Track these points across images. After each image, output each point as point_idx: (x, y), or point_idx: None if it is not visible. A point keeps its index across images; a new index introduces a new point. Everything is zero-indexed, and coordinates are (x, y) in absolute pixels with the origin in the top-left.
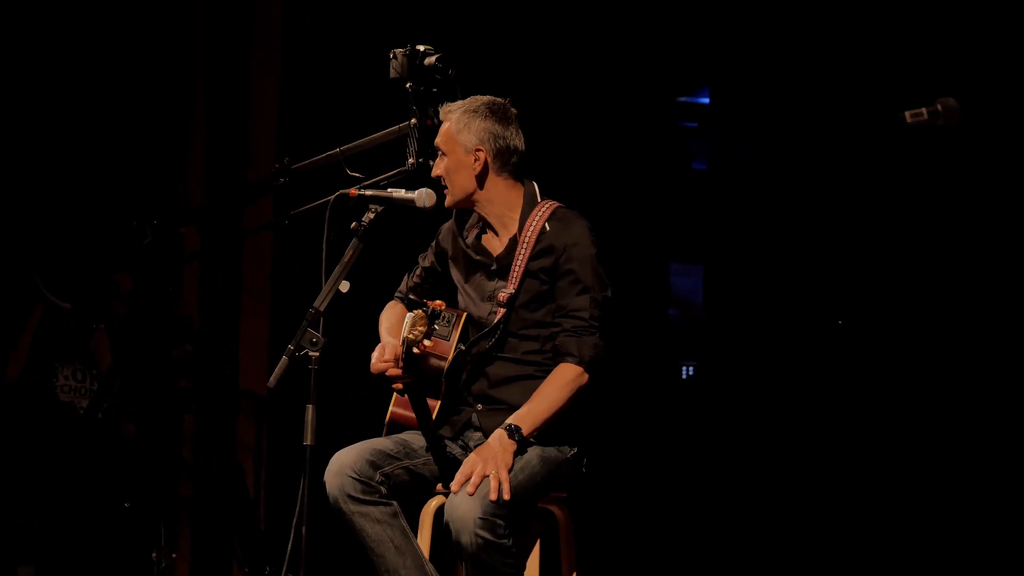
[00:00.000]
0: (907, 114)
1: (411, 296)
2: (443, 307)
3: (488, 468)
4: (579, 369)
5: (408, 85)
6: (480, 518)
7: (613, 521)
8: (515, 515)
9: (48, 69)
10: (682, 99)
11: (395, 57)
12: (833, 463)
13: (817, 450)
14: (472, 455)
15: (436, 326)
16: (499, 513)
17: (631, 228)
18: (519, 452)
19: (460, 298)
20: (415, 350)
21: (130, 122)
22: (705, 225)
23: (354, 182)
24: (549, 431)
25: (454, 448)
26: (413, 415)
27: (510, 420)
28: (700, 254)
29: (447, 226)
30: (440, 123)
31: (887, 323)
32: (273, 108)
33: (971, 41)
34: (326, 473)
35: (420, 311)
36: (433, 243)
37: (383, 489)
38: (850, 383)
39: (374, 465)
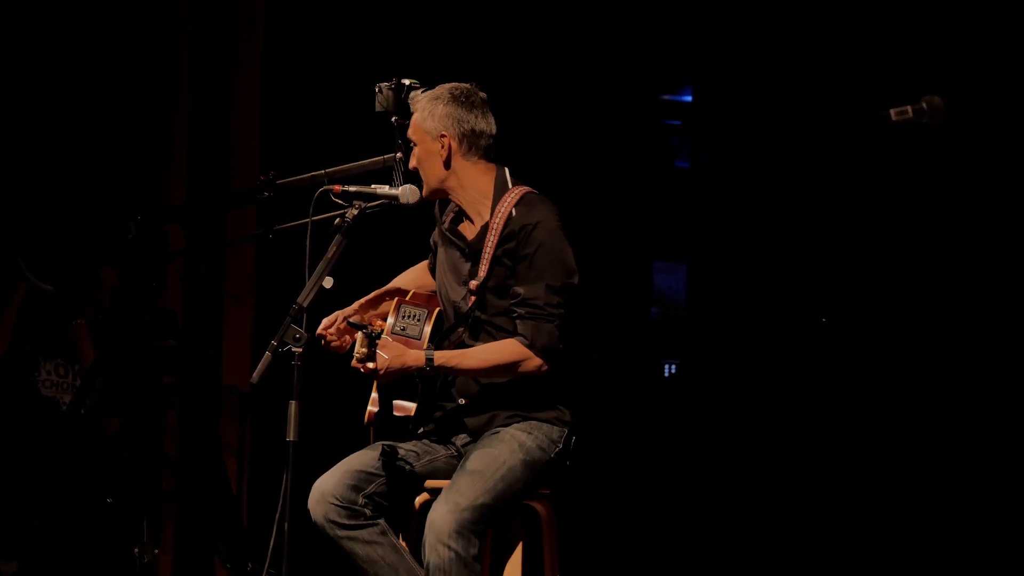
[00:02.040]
0: (892, 112)
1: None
2: (382, 328)
3: (389, 363)
4: (525, 351)
5: (393, 119)
6: (455, 531)
7: (595, 517)
8: (494, 523)
9: (36, 63)
10: (665, 97)
11: (380, 91)
12: (816, 460)
13: (801, 447)
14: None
15: (405, 324)
16: (475, 529)
17: (614, 226)
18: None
19: (441, 282)
20: (363, 370)
21: (115, 117)
22: (689, 223)
23: (338, 207)
24: (539, 428)
25: (438, 449)
26: (388, 412)
27: (436, 353)
28: (684, 252)
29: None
30: None
31: (874, 321)
32: (255, 105)
33: (967, 39)
34: (309, 501)
35: (361, 334)
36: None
37: (367, 511)
38: (836, 382)
39: (355, 489)
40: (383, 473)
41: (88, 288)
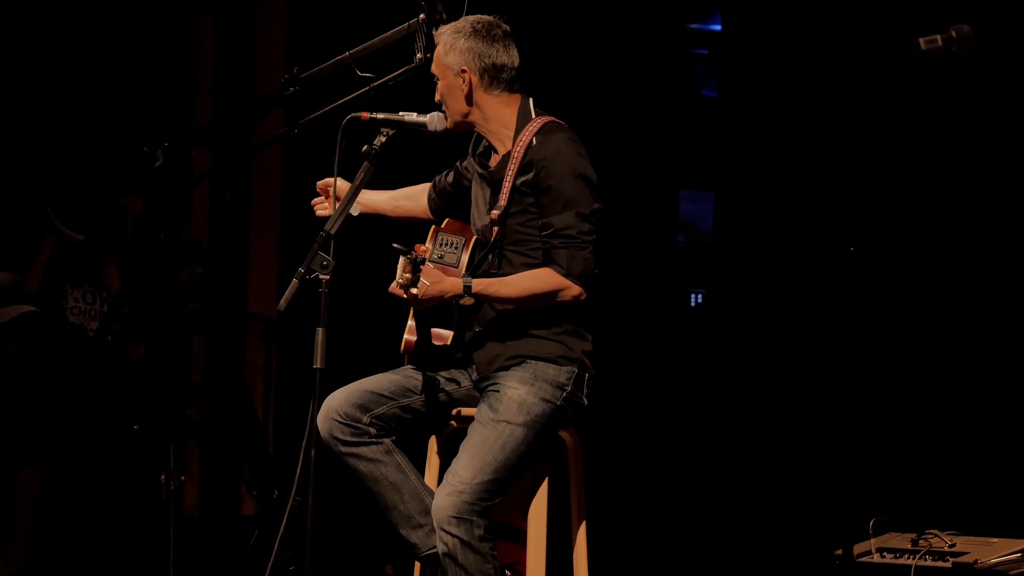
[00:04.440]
0: (921, 41)
1: (435, 192)
2: (428, 252)
3: (427, 290)
4: (563, 280)
5: None
6: (453, 516)
7: (619, 448)
8: (503, 493)
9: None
10: (692, 26)
11: None
12: (842, 391)
13: (829, 378)
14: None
15: (443, 251)
16: (479, 509)
17: (640, 154)
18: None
19: (472, 213)
20: (404, 296)
21: (136, 41)
22: (714, 151)
23: (365, 82)
24: (542, 374)
25: (463, 379)
26: (427, 341)
27: (474, 281)
28: (709, 181)
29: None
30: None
31: (900, 255)
32: (281, 23)
33: None
34: (318, 417)
35: (406, 259)
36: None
37: (372, 431)
38: (860, 312)
39: (363, 408)
40: (395, 397)
41: (116, 229)
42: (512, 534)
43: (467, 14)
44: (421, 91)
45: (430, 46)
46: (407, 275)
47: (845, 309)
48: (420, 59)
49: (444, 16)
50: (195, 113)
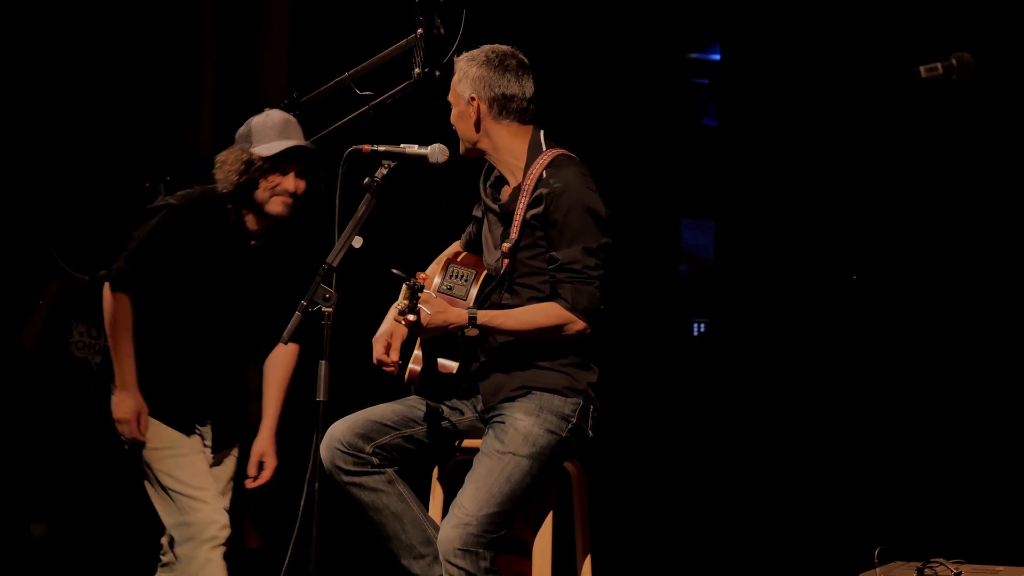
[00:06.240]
0: (922, 69)
1: (466, 248)
2: (425, 279)
3: (431, 319)
4: (568, 314)
5: None
6: (459, 549)
7: (624, 480)
8: (508, 525)
9: (49, 44)
10: (692, 56)
11: None
12: (846, 419)
13: (833, 406)
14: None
15: (452, 283)
16: (484, 541)
17: (641, 184)
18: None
19: (484, 246)
20: (402, 322)
21: (138, 65)
22: (715, 180)
23: (365, 101)
24: (548, 406)
25: (466, 409)
26: (433, 371)
27: (479, 312)
28: (711, 210)
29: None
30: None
31: (902, 282)
32: (283, 50)
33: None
34: (320, 446)
35: (404, 286)
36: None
37: (375, 460)
38: (863, 340)
39: (365, 438)
40: (399, 427)
41: None
42: (517, 547)
43: (464, 31)
44: (423, 121)
45: (428, 61)
46: (404, 301)
47: (848, 337)
48: (418, 74)
49: (442, 31)
50: (197, 139)
